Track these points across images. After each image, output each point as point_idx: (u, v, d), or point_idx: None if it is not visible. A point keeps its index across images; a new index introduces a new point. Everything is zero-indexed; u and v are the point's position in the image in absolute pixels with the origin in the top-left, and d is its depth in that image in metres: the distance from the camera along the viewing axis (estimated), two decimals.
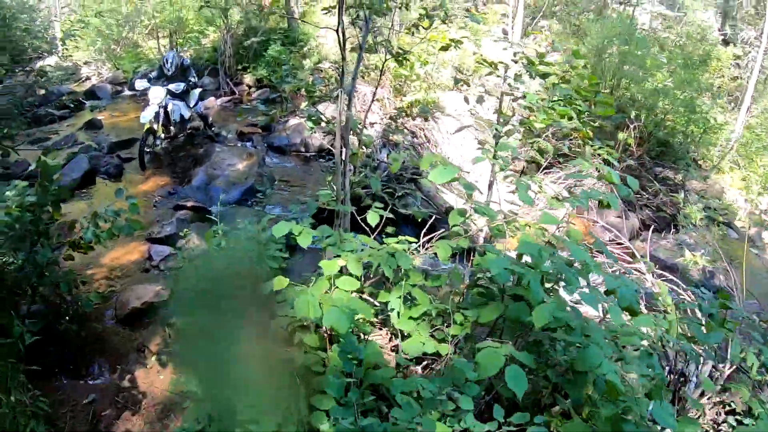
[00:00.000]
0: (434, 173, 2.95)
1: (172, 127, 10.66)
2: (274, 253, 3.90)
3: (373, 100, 5.86)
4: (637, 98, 13.02)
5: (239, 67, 18.59)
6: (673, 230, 11.63)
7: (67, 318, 5.45)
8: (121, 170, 10.61)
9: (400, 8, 4.97)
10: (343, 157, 4.24)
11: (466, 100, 5.47)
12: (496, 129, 4.86)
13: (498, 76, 5.52)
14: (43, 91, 18.19)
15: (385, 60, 5.11)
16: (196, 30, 19.04)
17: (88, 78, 22.63)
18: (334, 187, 4.20)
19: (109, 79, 21.14)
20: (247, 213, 8.13)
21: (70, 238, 5.28)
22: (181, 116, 10.56)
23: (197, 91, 11.22)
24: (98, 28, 21.39)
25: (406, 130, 11.00)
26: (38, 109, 16.44)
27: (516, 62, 5.15)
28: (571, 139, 7.16)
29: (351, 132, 4.43)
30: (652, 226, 9.54)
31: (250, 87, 18.37)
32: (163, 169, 10.50)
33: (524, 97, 4.99)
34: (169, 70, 10.34)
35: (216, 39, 19.15)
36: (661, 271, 6.30)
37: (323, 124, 4.51)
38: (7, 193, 4.97)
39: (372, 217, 3.84)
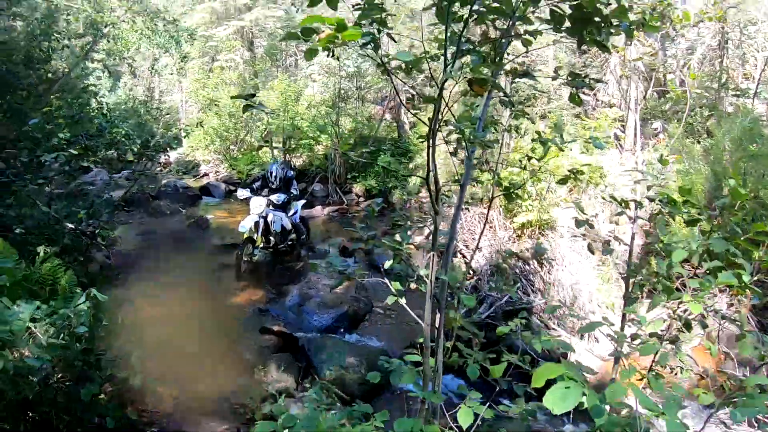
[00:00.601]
0: (553, 397, 2.14)
1: (272, 238, 10.42)
2: None
3: (478, 246, 5.10)
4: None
5: (349, 176, 18.54)
6: None
7: None
8: (218, 277, 10.32)
9: (509, 131, 4.23)
10: (437, 325, 3.46)
11: (591, 249, 4.62)
12: (626, 311, 3.98)
13: (630, 218, 4.71)
14: (163, 182, 18.80)
15: (493, 197, 4.39)
16: (309, 137, 19.21)
17: (205, 174, 23.44)
18: (422, 371, 3.43)
19: (224, 178, 21.72)
20: (336, 346, 7.41)
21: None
22: (282, 227, 10.32)
23: (300, 202, 11.08)
24: (217, 130, 22.15)
25: (516, 255, 10.13)
26: (155, 200, 16.88)
27: (652, 200, 4.32)
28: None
29: (448, 290, 3.67)
30: None
31: (359, 196, 18.20)
32: (259, 280, 10.09)
33: (662, 241, 4.14)
34: (272, 183, 10.29)
35: (328, 147, 19.27)
36: None
37: (413, 286, 3.79)
38: (79, 307, 4.60)
39: (464, 416, 3.01)
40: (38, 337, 4.64)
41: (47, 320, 4.59)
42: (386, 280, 3.77)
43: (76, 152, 7.62)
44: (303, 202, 11.40)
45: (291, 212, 10.75)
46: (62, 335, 4.35)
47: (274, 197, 10.06)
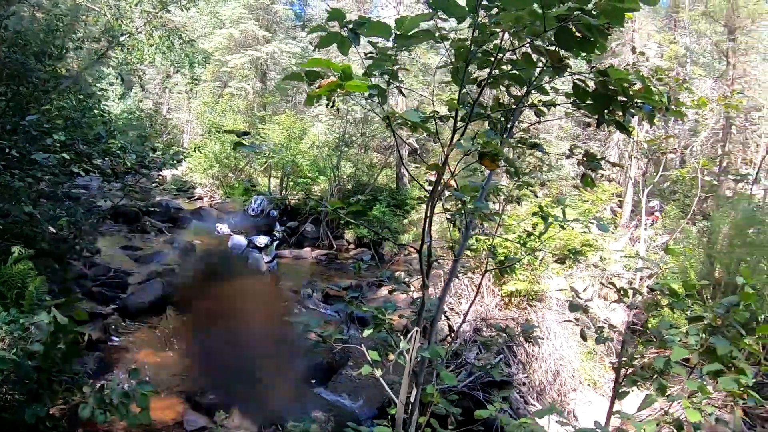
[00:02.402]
0: None
1: None
2: None
3: (465, 318, 4.85)
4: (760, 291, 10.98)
5: (342, 221, 18.34)
6: None
7: None
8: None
9: (510, 201, 4.05)
10: (412, 400, 3.20)
11: (583, 336, 4.37)
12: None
13: (628, 306, 4.48)
14: (156, 199, 18.58)
15: (486, 270, 4.14)
16: (308, 176, 19.08)
17: (200, 198, 23.31)
18: None
19: (218, 205, 21.53)
20: (304, 398, 7.06)
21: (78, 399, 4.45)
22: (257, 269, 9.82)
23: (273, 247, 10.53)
24: (218, 155, 22.05)
25: (504, 332, 9.75)
26: (144, 217, 16.58)
27: (653, 290, 4.11)
28: None
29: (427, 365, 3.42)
30: None
31: (349, 243, 17.98)
32: None
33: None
34: (254, 211, 9.86)
35: (324, 189, 19.12)
36: None
37: (392, 357, 3.53)
38: (40, 322, 4.30)
39: None
40: None
41: (5, 328, 4.31)
42: (363, 348, 3.51)
43: (68, 157, 7.35)
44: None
45: (269, 258, 10.21)
46: (16, 349, 4.04)
47: (258, 239, 9.61)
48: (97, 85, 16.27)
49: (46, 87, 8.58)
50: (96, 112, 9.73)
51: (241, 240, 9.30)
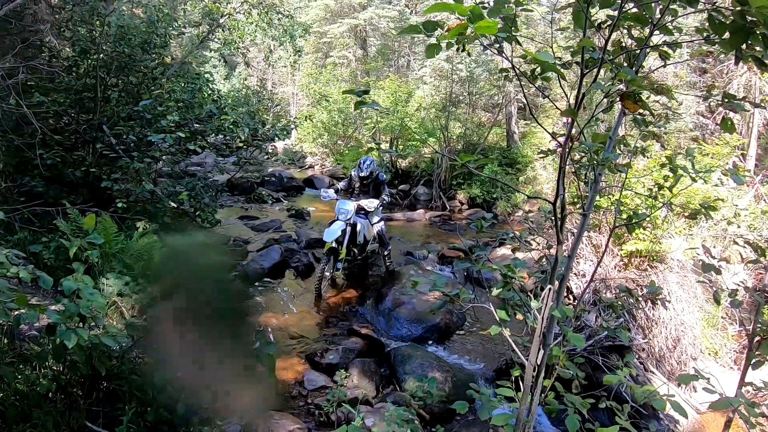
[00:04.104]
0: None
1: (354, 249, 9.43)
2: None
3: (593, 278, 4.67)
4: None
5: (454, 182, 18.23)
6: None
7: None
8: (312, 269, 10.30)
9: (635, 155, 3.83)
10: (538, 362, 3.10)
11: (717, 299, 4.08)
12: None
13: (765, 267, 4.19)
14: (269, 170, 19.14)
15: (614, 226, 3.97)
16: (417, 139, 19.02)
17: (311, 166, 23.81)
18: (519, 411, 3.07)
19: (329, 172, 21.95)
20: (422, 358, 7.04)
21: None
22: (364, 236, 9.49)
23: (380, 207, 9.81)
24: (326, 124, 22.34)
25: (629, 293, 9.36)
26: (259, 188, 17.15)
27: None
28: None
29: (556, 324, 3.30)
30: None
31: (462, 204, 17.92)
32: (354, 279, 9.87)
33: None
34: (363, 171, 9.35)
35: (434, 150, 19.05)
36: None
37: (520, 317, 3.43)
38: None
39: None
40: (123, 312, 4.62)
41: (134, 297, 4.57)
42: (491, 307, 3.44)
43: (183, 135, 7.66)
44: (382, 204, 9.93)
45: (375, 220, 9.90)
46: (145, 316, 4.30)
47: (365, 202, 9.12)
48: (201, 69, 16.81)
49: (154, 74, 8.95)
50: (205, 90, 10.06)
51: (347, 205, 9.05)
